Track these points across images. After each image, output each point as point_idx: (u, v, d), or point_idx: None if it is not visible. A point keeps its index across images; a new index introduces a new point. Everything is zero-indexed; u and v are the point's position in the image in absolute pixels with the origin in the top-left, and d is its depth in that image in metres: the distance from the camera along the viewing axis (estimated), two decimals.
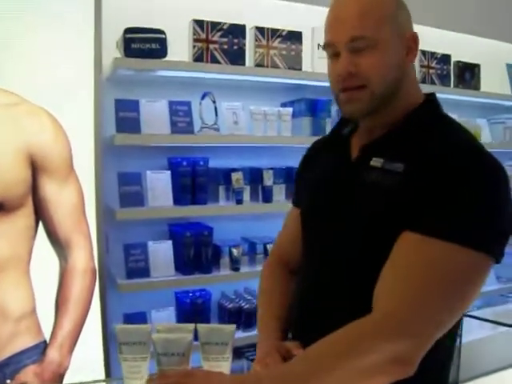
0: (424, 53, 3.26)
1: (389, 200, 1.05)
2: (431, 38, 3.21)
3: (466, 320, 1.93)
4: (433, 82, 3.30)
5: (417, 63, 3.21)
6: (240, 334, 2.60)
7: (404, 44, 1.11)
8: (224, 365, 1.07)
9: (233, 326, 1.08)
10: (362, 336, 0.95)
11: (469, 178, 0.98)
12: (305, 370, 0.94)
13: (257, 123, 2.72)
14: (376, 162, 1.11)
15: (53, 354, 1.72)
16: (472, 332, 2.28)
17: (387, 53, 1.08)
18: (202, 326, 1.08)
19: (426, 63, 3.26)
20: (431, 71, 3.29)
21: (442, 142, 1.05)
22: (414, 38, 1.13)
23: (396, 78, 1.10)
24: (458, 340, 1.78)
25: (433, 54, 3.31)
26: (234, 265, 2.69)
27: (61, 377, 1.99)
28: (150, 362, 1.09)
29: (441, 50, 3.34)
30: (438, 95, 1.19)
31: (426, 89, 1.19)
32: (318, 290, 1.17)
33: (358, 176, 1.13)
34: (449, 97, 3.25)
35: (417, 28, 1.14)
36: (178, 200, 2.58)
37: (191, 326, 1.10)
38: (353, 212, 1.11)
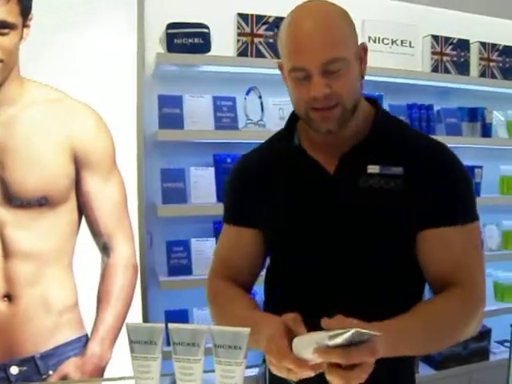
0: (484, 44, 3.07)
1: (398, 200, 1.18)
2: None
3: None
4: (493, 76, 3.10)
5: (476, 55, 3.05)
6: None
7: (358, 55, 1.16)
8: (237, 370, 1.01)
9: (247, 330, 1.02)
10: (472, 306, 1.18)
11: (461, 172, 1.22)
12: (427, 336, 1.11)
13: None
14: (373, 168, 1.19)
15: (94, 347, 1.74)
16: None
17: (353, 69, 1.15)
18: (215, 328, 1.03)
19: (486, 56, 3.07)
20: (491, 64, 3.09)
21: (423, 144, 1.24)
22: (365, 49, 1.19)
23: (358, 89, 1.18)
24: (508, 354, 1.69)
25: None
26: None
27: (102, 370, 2.01)
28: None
29: None
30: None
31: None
32: (355, 293, 1.21)
33: (353, 184, 1.20)
34: None
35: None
36: (221, 197, 2.54)
37: (206, 327, 1.04)
38: (365, 216, 1.19)
